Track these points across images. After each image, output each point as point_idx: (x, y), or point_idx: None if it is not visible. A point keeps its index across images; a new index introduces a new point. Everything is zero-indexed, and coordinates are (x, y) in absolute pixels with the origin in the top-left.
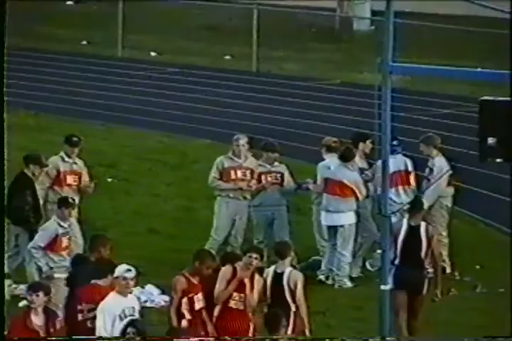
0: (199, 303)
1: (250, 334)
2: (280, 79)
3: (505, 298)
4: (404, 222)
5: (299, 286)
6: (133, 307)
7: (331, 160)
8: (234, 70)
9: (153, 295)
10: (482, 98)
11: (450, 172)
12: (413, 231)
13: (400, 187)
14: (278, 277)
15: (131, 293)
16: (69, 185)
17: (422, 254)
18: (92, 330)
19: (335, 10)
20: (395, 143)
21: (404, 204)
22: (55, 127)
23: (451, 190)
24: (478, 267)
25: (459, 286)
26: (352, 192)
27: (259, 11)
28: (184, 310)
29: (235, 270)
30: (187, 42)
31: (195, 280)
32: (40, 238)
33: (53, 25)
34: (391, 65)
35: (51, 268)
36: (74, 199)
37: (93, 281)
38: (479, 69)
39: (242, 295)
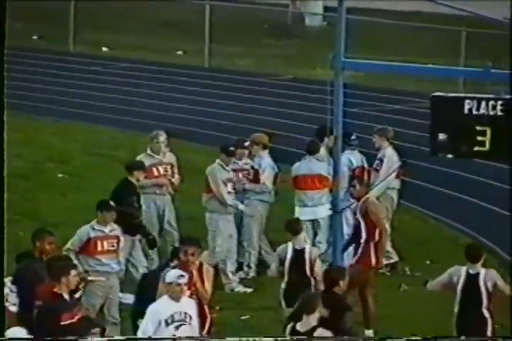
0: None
1: (206, 327)
2: (233, 75)
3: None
4: (290, 245)
5: (318, 260)
6: (185, 313)
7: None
8: (186, 66)
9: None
10: (433, 94)
11: (399, 164)
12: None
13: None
14: (299, 253)
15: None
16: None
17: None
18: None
19: (288, 5)
20: (353, 137)
21: (352, 203)
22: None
23: (398, 183)
24: (428, 262)
25: (409, 282)
26: (329, 183)
27: (211, 6)
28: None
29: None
30: (139, 38)
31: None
32: (72, 241)
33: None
34: (343, 60)
35: (86, 271)
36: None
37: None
38: (430, 66)
39: (193, 288)
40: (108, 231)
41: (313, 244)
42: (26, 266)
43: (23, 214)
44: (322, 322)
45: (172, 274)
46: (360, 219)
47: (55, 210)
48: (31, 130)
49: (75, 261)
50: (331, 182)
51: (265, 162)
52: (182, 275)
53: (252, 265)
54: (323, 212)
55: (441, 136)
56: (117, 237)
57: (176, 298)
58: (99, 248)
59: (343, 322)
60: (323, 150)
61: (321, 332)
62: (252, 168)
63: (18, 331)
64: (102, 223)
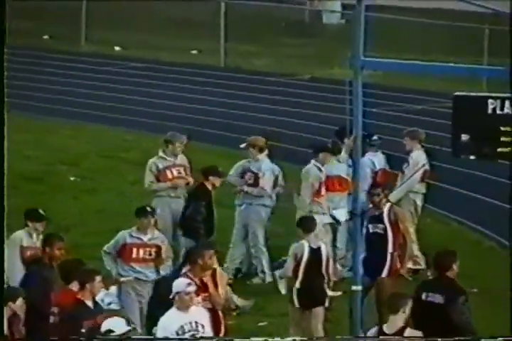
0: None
1: (222, 335)
2: (249, 75)
3: (479, 297)
4: (305, 244)
5: (331, 259)
6: (195, 322)
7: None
8: (201, 65)
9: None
10: (456, 93)
11: (426, 167)
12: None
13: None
14: (315, 252)
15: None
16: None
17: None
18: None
19: (305, 3)
20: (375, 138)
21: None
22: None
23: (422, 187)
24: None
25: None
26: (349, 185)
27: (227, 3)
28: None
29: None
30: (152, 37)
31: (197, 281)
32: (109, 244)
33: (14, 18)
34: (362, 59)
35: (120, 275)
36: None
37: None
38: (452, 64)
39: (206, 294)
40: (147, 239)
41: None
42: (36, 272)
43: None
44: (433, 309)
45: (180, 283)
46: (388, 228)
47: (67, 214)
48: (43, 132)
49: (109, 264)
50: (350, 185)
51: (265, 165)
52: (189, 284)
53: (267, 270)
54: (343, 215)
55: (464, 137)
56: (157, 246)
57: (184, 308)
58: (134, 255)
59: (457, 308)
60: (343, 152)
61: (410, 332)
62: (251, 171)
63: (116, 321)
64: (141, 230)
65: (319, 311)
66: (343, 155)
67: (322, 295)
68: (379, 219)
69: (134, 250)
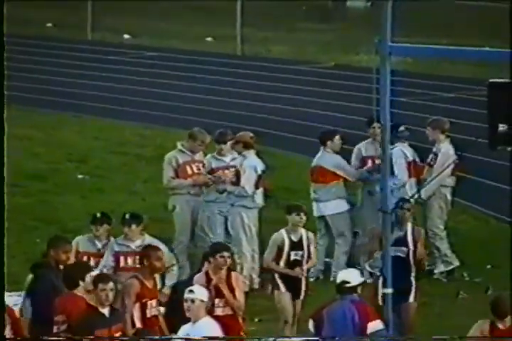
0: (151, 310)
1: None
2: (268, 63)
3: None
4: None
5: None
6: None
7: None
8: (217, 53)
9: None
10: (491, 80)
11: (456, 160)
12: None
13: (413, 179)
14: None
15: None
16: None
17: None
18: None
19: None
20: (401, 129)
21: (405, 199)
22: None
23: (453, 180)
24: (489, 267)
25: (468, 289)
26: (334, 177)
27: None
28: (135, 317)
29: (207, 275)
30: (164, 24)
31: (149, 284)
32: (106, 254)
33: (16, 6)
34: (390, 45)
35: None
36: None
37: (68, 291)
38: (487, 49)
39: (223, 299)
40: (135, 246)
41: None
42: (42, 276)
43: (40, 220)
44: None
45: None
46: (411, 250)
47: (75, 214)
48: (48, 127)
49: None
50: (334, 177)
51: (247, 162)
52: (191, 291)
53: (255, 276)
54: (330, 208)
55: (501, 127)
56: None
57: (193, 320)
58: (122, 264)
59: None
60: (336, 142)
61: None
62: (234, 167)
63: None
64: (129, 237)
65: None
66: (332, 145)
67: None
68: (402, 241)
69: (122, 258)
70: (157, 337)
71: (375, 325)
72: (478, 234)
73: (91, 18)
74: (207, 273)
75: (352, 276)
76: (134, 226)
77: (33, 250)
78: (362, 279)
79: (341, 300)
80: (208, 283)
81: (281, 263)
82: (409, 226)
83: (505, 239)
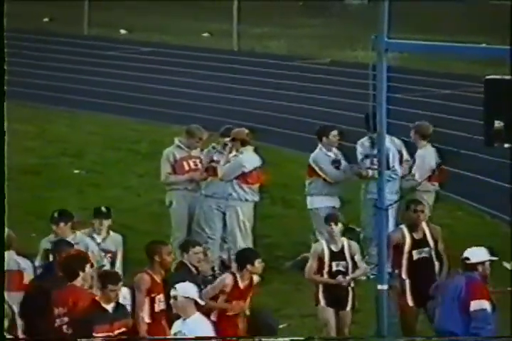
0: (159, 305)
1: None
2: (264, 59)
3: None
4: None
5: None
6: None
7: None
8: (213, 49)
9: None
10: (487, 77)
11: (435, 169)
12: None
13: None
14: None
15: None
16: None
17: None
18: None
19: None
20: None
21: (401, 197)
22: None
23: (433, 187)
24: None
25: None
26: (314, 172)
27: None
28: (144, 312)
29: (234, 278)
30: (160, 19)
31: (158, 279)
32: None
33: (13, 0)
34: (386, 41)
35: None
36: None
37: (68, 283)
38: (484, 45)
39: (242, 302)
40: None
41: None
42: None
43: (35, 215)
44: None
45: (189, 288)
46: (433, 250)
47: (71, 210)
48: (43, 122)
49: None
50: (314, 172)
51: (243, 158)
52: (174, 288)
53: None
54: (311, 203)
55: (497, 124)
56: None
57: (183, 316)
58: None
59: None
60: (332, 138)
61: None
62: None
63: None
64: (56, 236)
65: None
66: (327, 141)
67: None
68: (423, 242)
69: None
70: (157, 337)
71: (478, 304)
72: (473, 231)
73: (87, 13)
74: (234, 276)
75: (475, 254)
76: (62, 224)
77: (28, 245)
78: (483, 258)
79: (460, 275)
80: (234, 287)
81: (325, 275)
82: (425, 226)
83: (501, 236)
